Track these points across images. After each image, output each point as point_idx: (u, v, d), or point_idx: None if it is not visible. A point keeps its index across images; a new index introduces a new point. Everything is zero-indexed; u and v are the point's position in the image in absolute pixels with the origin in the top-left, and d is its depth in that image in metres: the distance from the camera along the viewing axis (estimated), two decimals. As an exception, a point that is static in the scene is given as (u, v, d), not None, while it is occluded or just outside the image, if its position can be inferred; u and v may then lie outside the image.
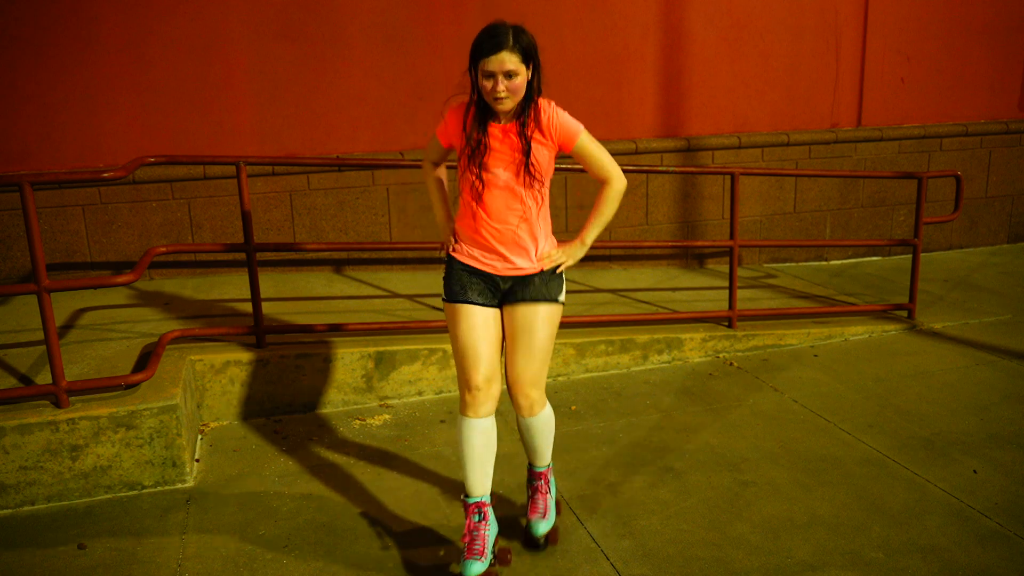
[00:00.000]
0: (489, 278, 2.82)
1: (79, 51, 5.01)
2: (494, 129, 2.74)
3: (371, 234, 5.71)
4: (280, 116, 5.45)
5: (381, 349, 4.25)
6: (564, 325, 4.74)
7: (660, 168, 5.15)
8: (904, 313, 5.55)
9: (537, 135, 2.74)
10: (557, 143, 2.80)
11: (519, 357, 2.81)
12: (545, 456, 3.00)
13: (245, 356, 4.08)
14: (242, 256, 5.32)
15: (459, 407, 2.80)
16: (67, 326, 4.37)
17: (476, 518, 2.78)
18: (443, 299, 2.88)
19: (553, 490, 3.09)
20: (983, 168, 7.39)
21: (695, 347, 4.89)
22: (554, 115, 2.78)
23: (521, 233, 2.78)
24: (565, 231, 6.12)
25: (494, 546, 2.84)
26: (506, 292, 2.85)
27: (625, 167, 4.89)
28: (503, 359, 2.87)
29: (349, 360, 4.22)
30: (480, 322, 2.78)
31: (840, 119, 6.90)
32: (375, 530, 3.16)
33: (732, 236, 4.99)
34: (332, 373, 4.21)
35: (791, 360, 4.87)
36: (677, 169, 5.02)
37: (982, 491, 3.38)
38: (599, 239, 6.50)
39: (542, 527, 2.96)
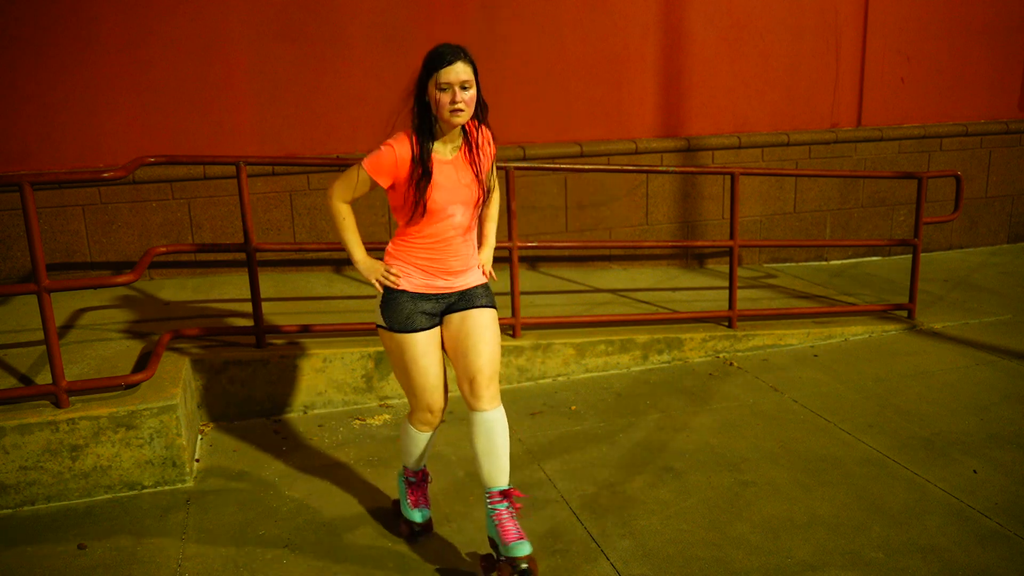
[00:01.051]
0: (435, 297, 2.85)
1: (79, 51, 5.01)
2: (443, 162, 2.76)
3: (371, 234, 5.70)
4: (280, 116, 5.45)
5: (381, 349, 4.25)
6: (564, 325, 4.75)
7: (660, 168, 5.15)
8: (904, 313, 5.55)
9: (483, 160, 2.83)
10: (489, 163, 2.89)
11: (480, 350, 2.78)
12: (507, 466, 2.78)
13: (245, 356, 4.08)
14: (242, 256, 5.32)
15: (410, 418, 2.94)
16: (67, 326, 4.37)
17: (423, 479, 3.09)
18: (382, 327, 2.84)
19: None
20: (983, 168, 7.39)
21: (695, 347, 4.89)
22: (488, 134, 2.87)
23: (469, 252, 2.89)
24: (565, 231, 6.12)
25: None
26: (449, 305, 2.89)
27: (625, 167, 4.96)
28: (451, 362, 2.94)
29: (349, 360, 4.22)
30: (432, 348, 2.85)
31: (840, 119, 6.90)
32: (375, 530, 3.16)
33: (732, 236, 4.99)
34: (332, 373, 4.21)
35: (791, 360, 4.87)
36: (677, 169, 5.02)
37: (982, 491, 3.38)
38: (599, 239, 6.50)
39: (527, 547, 2.69)
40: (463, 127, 2.78)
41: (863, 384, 4.51)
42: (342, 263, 5.74)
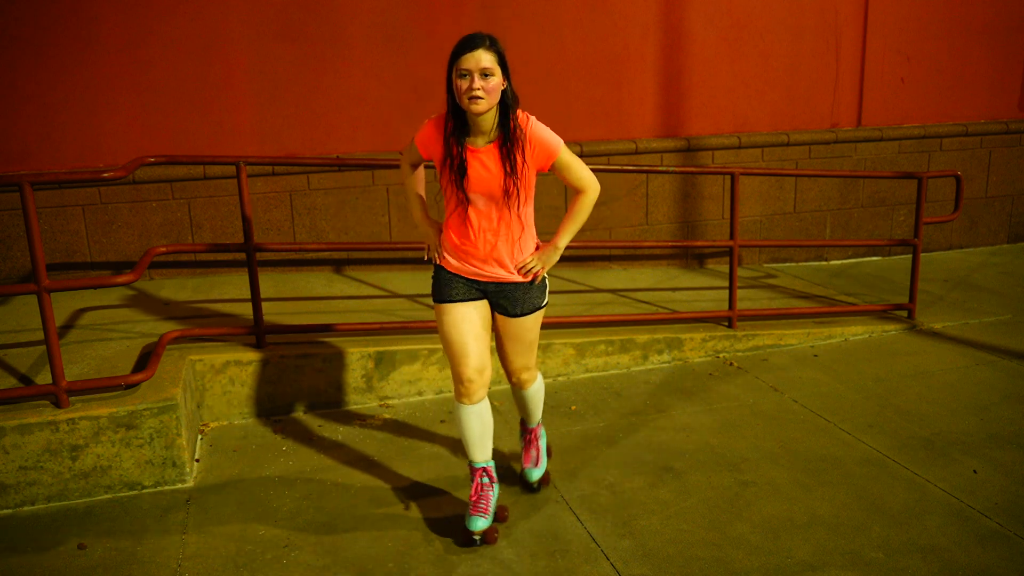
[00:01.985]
0: (475, 281, 2.97)
1: (79, 51, 5.01)
2: (474, 151, 2.77)
3: (371, 234, 5.71)
4: (280, 116, 5.45)
5: (381, 349, 4.25)
6: (564, 325, 4.75)
7: (660, 168, 5.15)
8: (904, 313, 5.55)
9: (518, 155, 2.78)
10: (537, 163, 2.84)
11: (512, 356, 3.13)
12: (536, 416, 3.36)
13: (245, 356, 4.08)
14: (242, 256, 5.32)
15: (454, 394, 3.01)
16: (67, 326, 4.37)
17: (484, 480, 3.07)
18: (432, 301, 3.06)
19: (543, 441, 3.45)
20: (983, 168, 7.39)
21: (695, 347, 4.89)
22: (534, 134, 2.79)
23: (504, 249, 2.91)
24: (565, 231, 6.11)
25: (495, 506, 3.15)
26: (493, 293, 2.99)
27: (625, 167, 4.94)
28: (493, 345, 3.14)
29: (349, 360, 4.22)
30: (465, 318, 2.95)
31: (840, 119, 6.90)
32: (376, 530, 3.16)
33: (732, 236, 4.99)
34: (332, 373, 4.21)
35: (791, 360, 4.87)
36: (677, 169, 5.01)
37: (982, 491, 3.38)
38: (599, 239, 6.49)
39: (535, 474, 3.37)
40: (505, 118, 2.73)
41: (863, 384, 4.51)
42: (342, 263, 5.74)
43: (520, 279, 2.96)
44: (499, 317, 3.05)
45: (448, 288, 2.96)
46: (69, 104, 5.06)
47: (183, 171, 5.23)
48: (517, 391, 3.24)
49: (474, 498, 3.04)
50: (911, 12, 6.89)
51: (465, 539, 3.04)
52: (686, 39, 6.27)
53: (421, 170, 3.13)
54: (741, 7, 6.36)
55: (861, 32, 6.78)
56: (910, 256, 6.29)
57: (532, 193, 2.92)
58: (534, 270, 2.96)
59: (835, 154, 6.83)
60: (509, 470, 3.57)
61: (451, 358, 2.96)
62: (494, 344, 3.19)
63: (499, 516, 3.18)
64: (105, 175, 3.54)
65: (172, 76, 5.20)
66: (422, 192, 3.13)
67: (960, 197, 5.48)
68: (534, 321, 3.05)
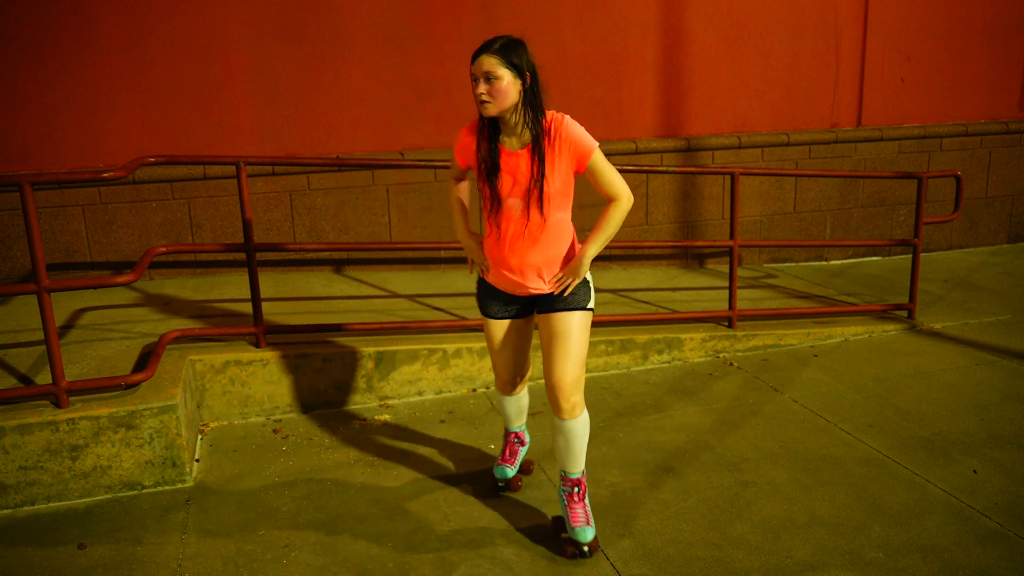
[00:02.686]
0: (508, 295, 3.00)
1: (79, 51, 5.02)
2: (506, 154, 2.77)
3: (371, 234, 5.71)
4: (280, 116, 5.45)
5: (381, 349, 4.26)
6: (564, 325, 4.75)
7: (660, 168, 5.15)
8: (904, 313, 5.55)
9: (550, 157, 2.75)
10: (572, 164, 2.79)
11: (557, 363, 2.86)
12: (581, 460, 2.97)
13: (245, 356, 4.08)
14: (242, 256, 5.32)
15: (496, 385, 3.39)
16: (67, 326, 4.37)
17: (515, 440, 3.44)
18: (478, 307, 3.15)
19: (587, 496, 3.07)
20: (983, 168, 7.39)
21: (695, 347, 4.89)
22: (568, 132, 2.75)
23: (539, 258, 2.85)
24: (565, 231, 6.12)
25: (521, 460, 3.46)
26: (536, 301, 3.01)
27: (625, 167, 4.94)
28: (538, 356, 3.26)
29: (349, 360, 4.22)
30: (504, 333, 3.07)
31: (840, 119, 6.90)
32: (375, 530, 3.16)
33: (732, 236, 4.99)
34: (332, 373, 4.21)
35: (791, 360, 4.87)
36: (677, 169, 5.01)
37: (982, 491, 3.38)
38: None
39: (588, 533, 2.94)
40: (534, 119, 2.71)
41: (863, 384, 4.51)
42: (342, 263, 5.74)
43: (553, 291, 2.89)
44: (543, 317, 2.91)
45: (489, 302, 3.04)
46: (69, 104, 5.06)
47: (183, 171, 5.23)
48: (562, 423, 2.89)
49: (505, 453, 3.42)
50: (911, 12, 6.89)
51: (492, 487, 3.41)
52: (686, 39, 6.27)
53: (465, 185, 3.09)
54: (741, 7, 6.36)
55: (861, 32, 6.78)
56: (910, 256, 6.29)
57: (570, 198, 2.84)
58: (564, 283, 2.87)
59: (835, 154, 6.83)
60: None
61: (494, 364, 3.19)
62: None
63: (525, 468, 3.53)
64: (105, 175, 3.54)
65: (172, 76, 5.20)
66: (466, 205, 3.10)
67: (960, 197, 5.48)
68: (581, 322, 2.88)
